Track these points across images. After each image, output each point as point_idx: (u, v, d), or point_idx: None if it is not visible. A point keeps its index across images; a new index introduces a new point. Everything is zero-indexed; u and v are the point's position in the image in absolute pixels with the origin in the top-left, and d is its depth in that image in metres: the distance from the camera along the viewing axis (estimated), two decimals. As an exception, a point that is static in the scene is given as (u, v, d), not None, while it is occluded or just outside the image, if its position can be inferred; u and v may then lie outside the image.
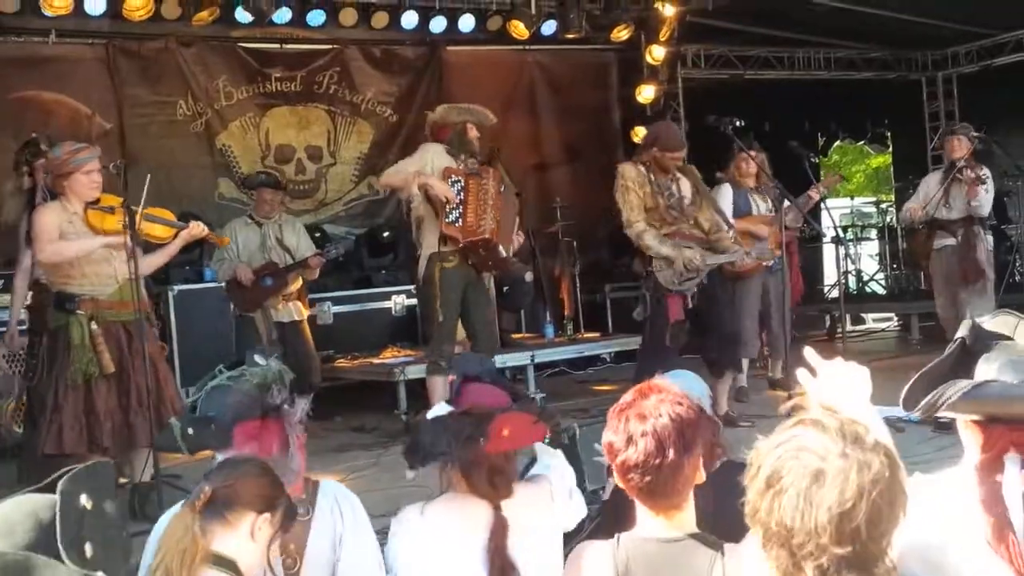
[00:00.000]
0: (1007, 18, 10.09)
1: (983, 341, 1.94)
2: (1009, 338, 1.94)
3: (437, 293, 5.82)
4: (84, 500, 1.34)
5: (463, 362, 2.96)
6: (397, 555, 2.65)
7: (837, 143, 14.38)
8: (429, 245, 5.88)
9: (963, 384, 1.83)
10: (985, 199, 7.08)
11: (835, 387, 1.92)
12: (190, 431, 2.66)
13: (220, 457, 2.62)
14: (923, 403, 1.85)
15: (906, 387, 1.87)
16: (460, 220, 5.77)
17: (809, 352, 1.96)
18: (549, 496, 2.74)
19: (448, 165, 5.84)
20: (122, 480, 5.01)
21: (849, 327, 10.35)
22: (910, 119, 11.81)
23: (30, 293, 5.39)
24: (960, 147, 7.06)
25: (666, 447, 2.08)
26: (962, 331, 1.97)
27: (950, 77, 11.59)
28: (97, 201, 4.81)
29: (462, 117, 6.04)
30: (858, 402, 1.92)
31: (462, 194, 5.77)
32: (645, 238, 5.91)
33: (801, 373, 1.90)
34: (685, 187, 6.09)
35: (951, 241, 7.12)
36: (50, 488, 1.35)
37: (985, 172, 6.96)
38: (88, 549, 1.30)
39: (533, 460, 3.09)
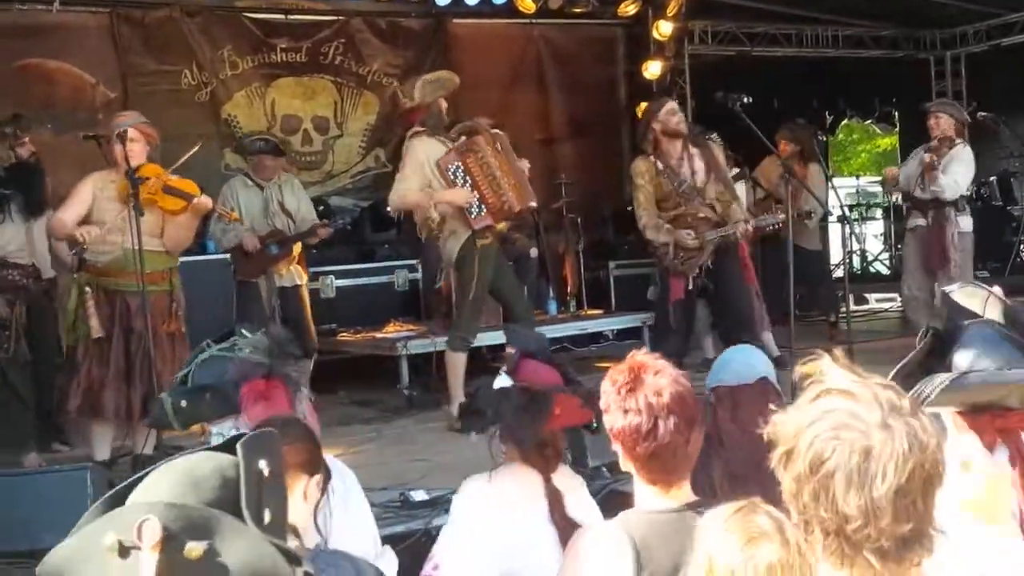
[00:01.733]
0: (1017, -3, 10.02)
1: (955, 325, 1.92)
2: (977, 315, 1.93)
3: (475, 271, 5.78)
4: (263, 465, 1.29)
5: (521, 338, 3.01)
6: (464, 519, 2.72)
7: (845, 121, 14.31)
8: (457, 235, 5.80)
9: (942, 378, 1.81)
10: (946, 184, 6.80)
11: None
12: (183, 404, 2.66)
13: (215, 429, 2.62)
14: None
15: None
16: (483, 208, 5.70)
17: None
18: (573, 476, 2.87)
19: (438, 157, 5.74)
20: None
21: (852, 307, 10.35)
22: (918, 98, 11.73)
23: None
24: (938, 125, 6.84)
25: (681, 424, 2.11)
26: (936, 322, 1.96)
27: (959, 56, 11.51)
28: (138, 169, 4.85)
29: (435, 95, 5.95)
30: None
31: (468, 178, 5.69)
32: (647, 232, 6.34)
33: None
34: (698, 166, 6.15)
35: (922, 221, 6.98)
36: (226, 449, 1.31)
37: (957, 157, 6.76)
38: (267, 515, 1.26)
39: None
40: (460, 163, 5.69)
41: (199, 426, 2.87)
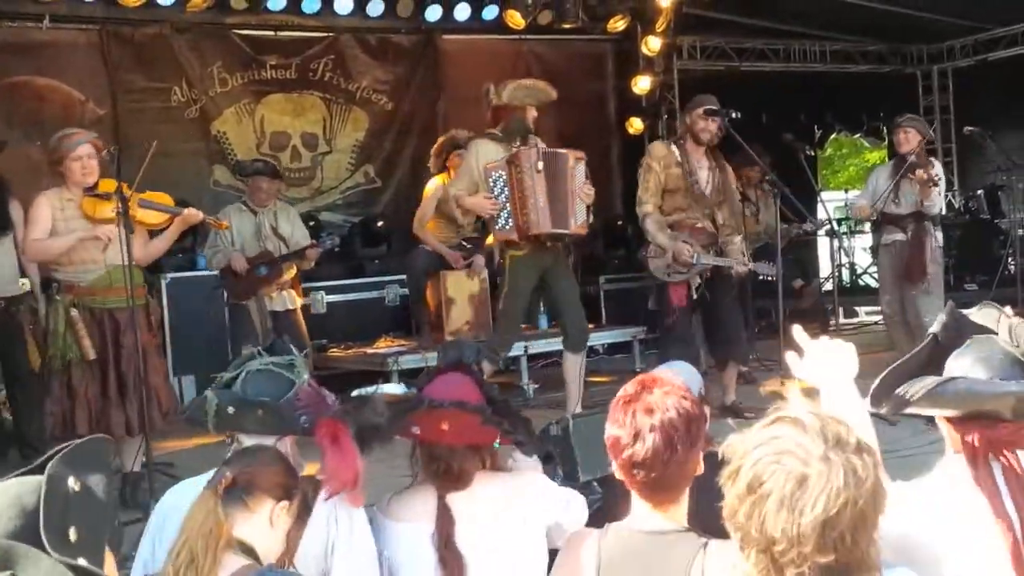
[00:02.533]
0: (1003, 12, 10.10)
1: (960, 335, 1.92)
2: (992, 332, 1.93)
3: (506, 281, 5.75)
4: (72, 483, 1.31)
5: (449, 350, 2.87)
6: (379, 537, 2.66)
7: (833, 136, 14.38)
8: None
9: (929, 381, 1.83)
10: (938, 199, 6.89)
11: (822, 366, 1.92)
12: (230, 410, 2.57)
13: (247, 443, 2.56)
14: (890, 399, 1.84)
15: (875, 383, 1.87)
16: (510, 221, 5.63)
17: (798, 331, 1.95)
18: (529, 492, 2.69)
19: (490, 159, 5.67)
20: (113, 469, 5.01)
21: (842, 320, 10.37)
22: (905, 112, 11.78)
23: None
24: (908, 140, 6.80)
25: (675, 442, 2.07)
26: (935, 327, 1.96)
27: (945, 71, 11.61)
28: (95, 186, 4.78)
29: (527, 101, 5.82)
30: (844, 380, 1.93)
31: (506, 189, 5.61)
32: (647, 222, 5.98)
33: (789, 356, 1.88)
34: (717, 178, 6.01)
35: (900, 236, 6.93)
36: (41, 469, 1.32)
37: (937, 172, 6.75)
38: (72, 533, 1.27)
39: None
40: (503, 173, 5.63)
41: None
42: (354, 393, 2.75)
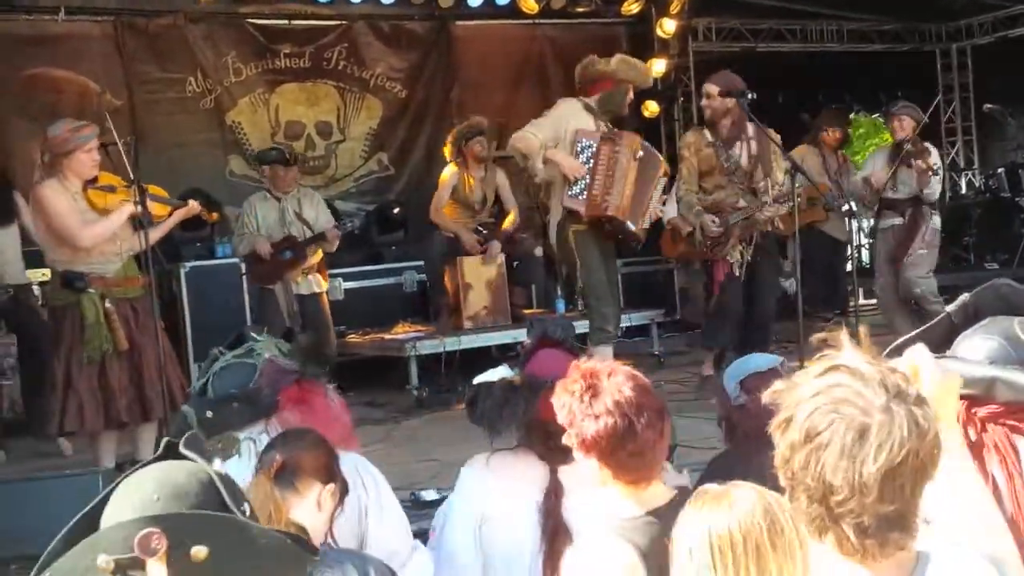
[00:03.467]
0: (1022, -11, 9.98)
1: (971, 315, 1.90)
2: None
3: (577, 256, 5.66)
4: (217, 464, 1.30)
5: (547, 324, 2.89)
6: (459, 492, 2.70)
7: (851, 116, 14.29)
8: (556, 211, 5.69)
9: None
10: (936, 186, 6.99)
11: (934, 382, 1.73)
12: (209, 414, 2.62)
13: (243, 435, 2.59)
14: None
15: (883, 356, 1.84)
16: (584, 193, 5.51)
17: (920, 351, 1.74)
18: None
19: (582, 126, 5.59)
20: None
21: (861, 301, 10.30)
22: (924, 91, 11.69)
23: None
24: (903, 128, 6.90)
25: (642, 418, 2.08)
26: (952, 306, 1.93)
27: (964, 49, 11.48)
28: (95, 180, 4.80)
29: (631, 75, 5.82)
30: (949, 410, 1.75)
31: (592, 161, 5.50)
32: (679, 207, 6.13)
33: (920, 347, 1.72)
34: (752, 148, 5.91)
35: (897, 220, 7.02)
36: (164, 457, 1.30)
37: (935, 159, 6.83)
38: (247, 508, 1.26)
39: None
40: (595, 145, 5.52)
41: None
42: (476, 380, 2.74)
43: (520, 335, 7.25)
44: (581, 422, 2.11)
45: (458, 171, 7.45)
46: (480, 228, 7.52)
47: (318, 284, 6.83)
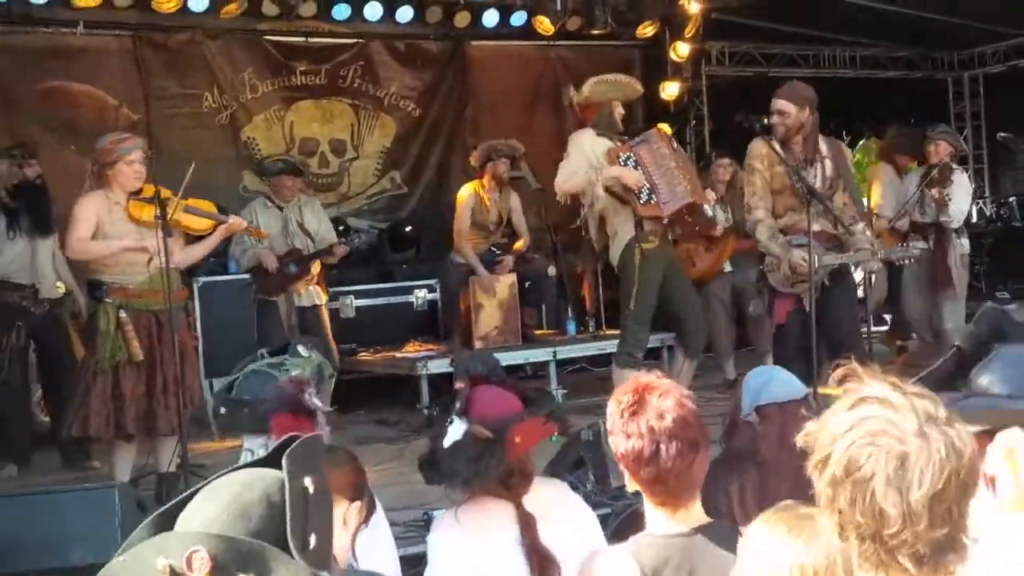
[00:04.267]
0: (1035, 18, 10.01)
1: (980, 343, 1.91)
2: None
3: (636, 278, 5.50)
4: (308, 482, 1.27)
5: (468, 362, 2.87)
6: (437, 558, 2.66)
7: (862, 142, 14.30)
8: (624, 232, 5.52)
9: (949, 396, 1.77)
10: (954, 213, 7.03)
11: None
12: (222, 411, 2.69)
13: (246, 444, 2.63)
14: None
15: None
16: (654, 196, 5.38)
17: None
18: (565, 491, 2.79)
19: (607, 148, 5.51)
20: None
21: (873, 329, 10.26)
22: (935, 119, 11.70)
23: None
24: (938, 152, 6.97)
25: (671, 446, 2.09)
26: (958, 338, 1.95)
27: (976, 77, 11.52)
28: (140, 191, 4.87)
29: (609, 95, 5.69)
30: None
31: (639, 167, 5.43)
32: (759, 230, 5.36)
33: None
34: (828, 168, 5.36)
35: (923, 244, 7.03)
36: (268, 463, 1.29)
37: (961, 182, 6.92)
38: (313, 539, 1.24)
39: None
40: (632, 154, 5.45)
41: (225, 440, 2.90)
42: (432, 440, 2.73)
43: (532, 356, 7.28)
44: (616, 436, 2.15)
45: (475, 191, 7.47)
46: (494, 249, 7.54)
47: (318, 296, 6.86)
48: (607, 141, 5.57)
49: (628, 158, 5.43)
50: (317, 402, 2.64)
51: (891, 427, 1.41)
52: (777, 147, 5.23)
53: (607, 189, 5.43)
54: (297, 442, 1.31)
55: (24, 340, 5.58)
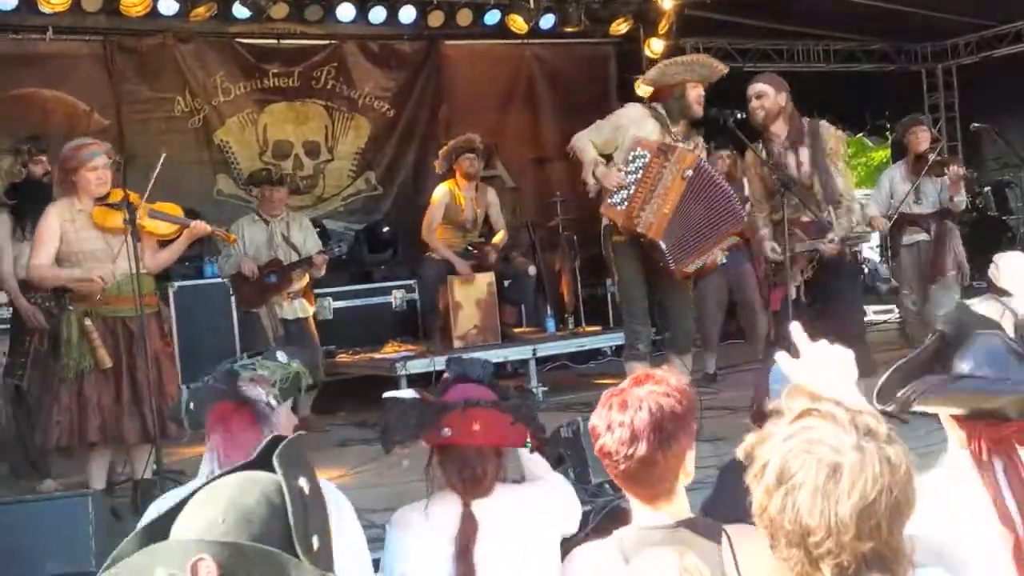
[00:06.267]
0: (1006, 9, 10.08)
1: (965, 330, 1.91)
2: (997, 324, 1.92)
3: (615, 271, 5.48)
4: (303, 483, 1.24)
5: (463, 366, 2.83)
6: (394, 550, 2.63)
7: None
8: (604, 218, 5.44)
9: (935, 379, 1.82)
10: (964, 195, 7.11)
11: (820, 369, 1.81)
12: (191, 405, 2.70)
13: (210, 443, 2.62)
14: (896, 398, 1.83)
15: (881, 380, 1.85)
16: (625, 203, 5.18)
17: (796, 329, 1.80)
18: (539, 502, 2.68)
19: (644, 135, 5.25)
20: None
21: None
22: (910, 110, 11.77)
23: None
24: (925, 139, 6.99)
25: (639, 439, 2.07)
26: (941, 324, 1.94)
27: (950, 68, 11.58)
28: (107, 197, 4.80)
29: (680, 77, 5.32)
30: (842, 387, 1.82)
31: (640, 172, 5.17)
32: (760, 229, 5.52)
33: (780, 356, 1.78)
34: (804, 156, 5.32)
35: (923, 236, 7.02)
36: (257, 464, 1.26)
37: (963, 171, 6.92)
38: (315, 541, 1.21)
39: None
40: (648, 156, 5.19)
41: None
42: (387, 395, 2.73)
43: (512, 354, 7.26)
44: (598, 428, 2.13)
45: (450, 190, 7.44)
46: (471, 248, 7.51)
47: (303, 309, 6.77)
48: (656, 127, 5.30)
49: (641, 156, 5.21)
50: (254, 394, 2.59)
51: (829, 438, 1.43)
52: (761, 152, 5.38)
53: (594, 178, 5.32)
54: (283, 444, 1.29)
55: (48, 346, 5.38)
